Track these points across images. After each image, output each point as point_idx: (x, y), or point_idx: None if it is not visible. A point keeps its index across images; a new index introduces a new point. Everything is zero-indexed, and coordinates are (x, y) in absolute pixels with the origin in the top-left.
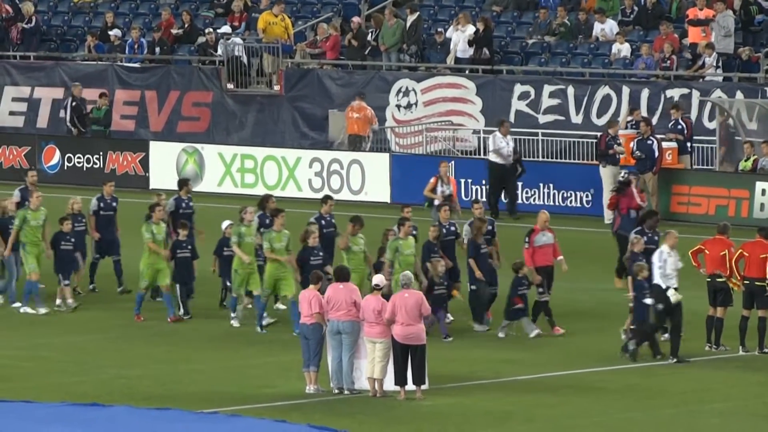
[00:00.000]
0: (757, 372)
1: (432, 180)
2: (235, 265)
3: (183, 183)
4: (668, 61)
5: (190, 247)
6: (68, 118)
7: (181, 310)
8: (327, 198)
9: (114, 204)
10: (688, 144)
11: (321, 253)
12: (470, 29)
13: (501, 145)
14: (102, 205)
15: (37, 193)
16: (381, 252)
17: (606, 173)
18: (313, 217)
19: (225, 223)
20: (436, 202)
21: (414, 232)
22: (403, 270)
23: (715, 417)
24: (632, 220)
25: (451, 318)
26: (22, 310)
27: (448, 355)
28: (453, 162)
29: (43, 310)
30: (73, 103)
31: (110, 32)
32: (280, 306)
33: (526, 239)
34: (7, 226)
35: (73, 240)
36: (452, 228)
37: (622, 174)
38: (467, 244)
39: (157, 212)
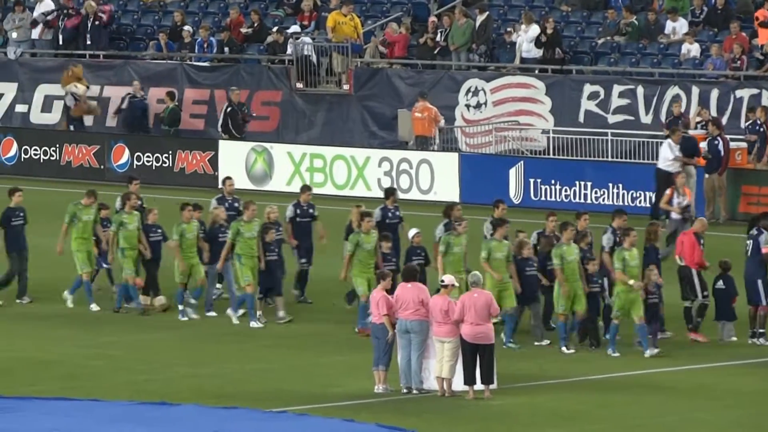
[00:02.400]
0: None
1: (668, 192)
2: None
3: (390, 192)
4: (738, 62)
5: (394, 260)
6: (221, 122)
7: None
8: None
9: (311, 211)
10: None
11: (535, 264)
12: (533, 30)
13: (675, 154)
14: (299, 212)
15: (253, 205)
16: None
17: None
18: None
19: (412, 231)
20: (673, 215)
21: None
22: (570, 278)
23: None
24: None
25: (669, 333)
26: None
27: (516, 355)
28: (522, 162)
29: (255, 324)
30: (228, 109)
31: (184, 28)
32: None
33: (701, 241)
34: (216, 236)
35: (276, 250)
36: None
37: None
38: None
39: (365, 223)
